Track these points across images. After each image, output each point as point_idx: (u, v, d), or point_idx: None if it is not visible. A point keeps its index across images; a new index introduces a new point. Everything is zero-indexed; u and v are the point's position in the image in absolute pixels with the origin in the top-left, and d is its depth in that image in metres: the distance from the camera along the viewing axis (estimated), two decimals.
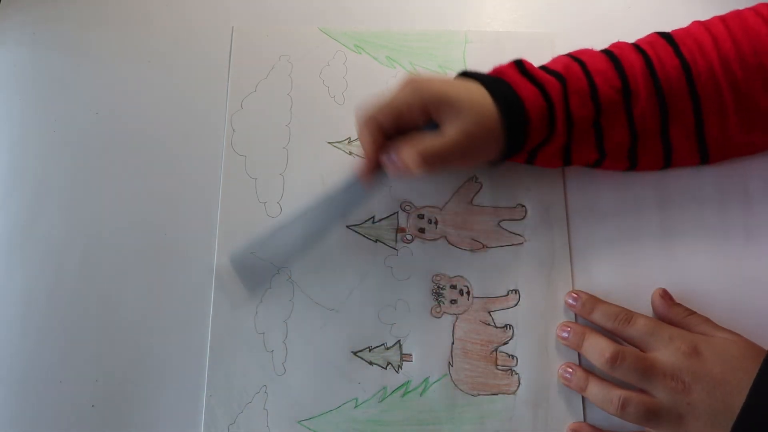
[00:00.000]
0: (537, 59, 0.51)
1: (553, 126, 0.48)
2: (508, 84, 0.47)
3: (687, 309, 0.49)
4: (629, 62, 0.48)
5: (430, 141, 0.46)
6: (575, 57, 0.50)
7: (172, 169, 0.53)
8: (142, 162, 0.53)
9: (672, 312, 0.49)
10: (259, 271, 0.50)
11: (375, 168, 0.48)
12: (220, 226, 0.51)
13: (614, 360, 0.45)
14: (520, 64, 0.49)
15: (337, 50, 0.57)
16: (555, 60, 0.50)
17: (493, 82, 0.48)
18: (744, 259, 0.51)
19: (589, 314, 0.49)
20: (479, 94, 0.47)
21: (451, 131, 0.46)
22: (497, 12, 0.59)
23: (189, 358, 0.48)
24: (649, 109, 0.48)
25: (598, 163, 0.51)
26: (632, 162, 0.51)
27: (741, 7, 0.49)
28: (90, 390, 0.48)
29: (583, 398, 0.48)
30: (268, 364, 0.48)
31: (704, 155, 0.51)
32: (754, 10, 0.49)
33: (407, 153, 0.46)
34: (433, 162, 0.46)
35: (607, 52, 0.50)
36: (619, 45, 0.50)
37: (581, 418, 0.48)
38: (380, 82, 0.56)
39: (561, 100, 0.47)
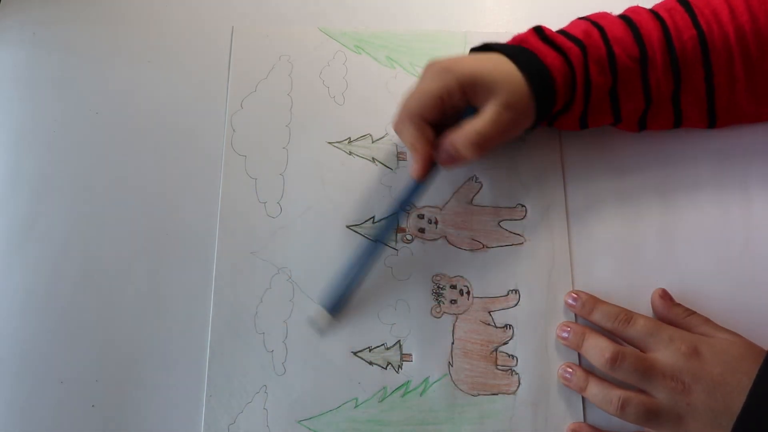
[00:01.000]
0: None
1: (573, 93, 0.49)
2: (533, 53, 0.48)
3: (687, 309, 0.49)
4: (647, 30, 0.49)
5: (477, 125, 0.46)
6: (594, 22, 0.50)
7: (172, 168, 0.53)
8: (142, 162, 0.53)
9: (672, 312, 0.49)
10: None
11: (430, 166, 0.48)
12: (220, 226, 0.51)
13: (614, 360, 0.46)
14: (540, 31, 0.50)
15: (337, 50, 0.57)
16: (574, 24, 0.51)
17: (518, 52, 0.48)
18: (744, 259, 0.51)
19: (589, 314, 0.49)
20: (508, 67, 0.47)
21: (491, 110, 0.46)
22: (497, 13, 0.59)
23: (189, 358, 0.48)
24: (664, 77, 0.49)
25: (612, 125, 0.53)
26: (642, 125, 0.52)
27: None
28: (90, 390, 0.48)
29: (583, 398, 0.48)
30: (268, 364, 0.48)
31: (712, 120, 0.52)
32: None
33: (461, 143, 0.46)
34: (485, 145, 0.46)
35: (625, 18, 0.50)
36: (636, 10, 0.51)
37: (581, 418, 0.48)
38: (380, 83, 0.56)
39: (581, 68, 0.48)
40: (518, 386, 0.49)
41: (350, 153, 0.54)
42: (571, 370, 0.48)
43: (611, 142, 0.54)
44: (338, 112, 0.55)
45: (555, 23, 0.51)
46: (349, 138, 0.54)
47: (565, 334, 0.49)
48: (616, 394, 0.45)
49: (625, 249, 0.52)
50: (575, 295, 0.50)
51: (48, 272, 0.50)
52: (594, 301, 0.49)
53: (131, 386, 0.48)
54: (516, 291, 0.51)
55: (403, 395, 0.48)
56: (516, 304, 0.51)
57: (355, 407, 0.48)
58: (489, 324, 0.50)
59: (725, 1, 0.49)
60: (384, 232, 0.51)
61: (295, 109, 0.55)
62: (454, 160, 0.47)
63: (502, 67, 0.47)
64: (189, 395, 0.48)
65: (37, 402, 0.47)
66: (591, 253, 0.52)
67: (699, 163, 0.54)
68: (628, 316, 0.48)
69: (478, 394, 0.49)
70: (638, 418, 0.45)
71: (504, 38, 0.51)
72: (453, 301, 0.51)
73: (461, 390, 0.49)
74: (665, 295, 0.50)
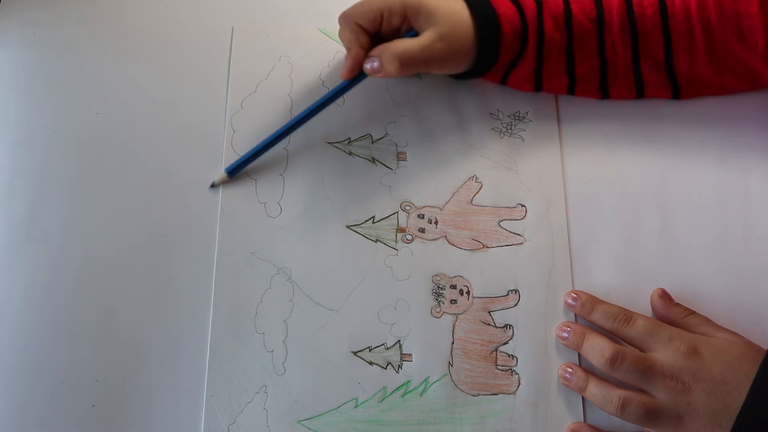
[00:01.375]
0: None
1: (525, 45, 0.51)
2: (488, 0, 0.51)
3: (687, 309, 0.49)
4: None
5: (407, 43, 0.49)
6: None
7: (173, 169, 0.53)
8: (142, 162, 0.53)
9: (672, 312, 0.49)
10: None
11: (357, 67, 0.51)
12: (220, 227, 0.51)
13: (614, 360, 0.46)
14: None
15: (337, 51, 0.57)
16: None
17: (477, 5, 0.51)
18: (744, 259, 0.52)
19: (589, 314, 0.49)
20: (457, 5, 0.51)
21: (426, 36, 0.49)
22: None
23: (189, 358, 0.49)
24: (621, 42, 0.51)
25: (570, 90, 0.54)
26: (604, 91, 0.54)
27: None
28: (90, 390, 0.48)
29: (583, 398, 0.48)
30: (268, 363, 0.49)
31: (675, 90, 0.54)
32: None
33: (386, 55, 0.49)
34: (409, 64, 0.49)
35: None
36: None
37: (581, 418, 0.48)
38: (380, 83, 0.56)
39: (534, 21, 0.50)
40: (518, 386, 0.49)
41: (350, 153, 0.54)
42: (571, 370, 0.48)
43: (612, 141, 0.55)
44: (338, 112, 0.55)
45: None
46: (349, 138, 0.55)
47: (565, 334, 0.49)
48: (616, 394, 0.45)
49: (625, 249, 0.52)
50: (575, 295, 0.50)
51: (47, 272, 0.50)
52: (594, 301, 0.50)
53: (131, 386, 0.48)
54: (516, 291, 0.51)
55: (403, 395, 0.49)
56: (516, 304, 0.51)
57: (355, 407, 0.48)
58: (489, 324, 0.50)
59: None
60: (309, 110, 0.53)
61: (295, 110, 0.55)
62: (377, 70, 0.50)
63: (452, 4, 0.50)
64: (189, 395, 0.48)
65: (37, 402, 0.47)
66: (591, 253, 0.52)
67: (699, 163, 0.54)
68: (628, 316, 0.48)
69: (478, 394, 0.49)
70: (638, 418, 0.45)
71: None
72: (453, 301, 0.51)
73: (461, 390, 0.49)
74: (665, 295, 0.50)
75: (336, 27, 0.52)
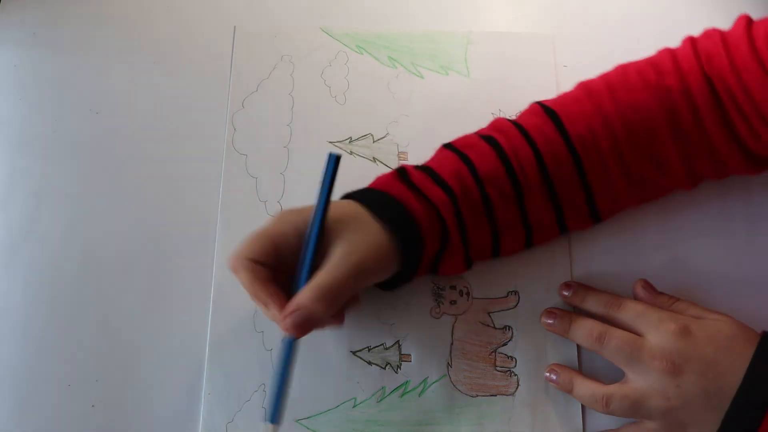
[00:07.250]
0: (537, 61, 0.54)
1: (446, 240, 0.48)
2: (400, 204, 0.46)
3: (672, 297, 0.50)
4: (518, 159, 0.48)
5: (319, 277, 0.43)
6: (463, 154, 0.48)
7: (173, 168, 0.55)
8: (143, 162, 0.55)
9: (657, 302, 0.50)
10: None
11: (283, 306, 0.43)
12: (220, 226, 0.53)
13: (601, 338, 0.47)
14: (404, 175, 0.48)
15: (339, 50, 0.59)
16: (441, 156, 0.49)
17: (381, 205, 0.46)
18: (745, 259, 0.53)
19: (582, 302, 0.51)
20: (361, 217, 0.45)
21: (335, 259, 0.43)
22: (499, 12, 0.61)
23: (188, 356, 0.50)
24: (542, 205, 0.49)
25: (495, 254, 0.51)
26: (529, 245, 0.52)
27: (741, 11, 0.50)
28: (90, 390, 0.49)
29: None
30: (267, 362, 0.50)
31: (596, 221, 0.52)
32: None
33: (302, 295, 0.42)
34: (332, 296, 0.43)
35: (494, 145, 0.49)
36: (504, 129, 0.50)
37: (579, 419, 0.50)
38: (382, 83, 0.58)
39: (453, 218, 0.47)
40: (517, 387, 0.51)
41: (351, 153, 0.56)
42: (556, 370, 0.50)
43: None
44: (339, 111, 0.57)
45: (554, 23, 0.53)
46: (350, 138, 0.56)
47: (550, 321, 0.51)
48: (600, 393, 0.47)
49: (625, 250, 0.53)
50: (568, 286, 0.52)
51: (47, 272, 0.52)
52: (585, 289, 0.51)
53: (131, 386, 0.49)
54: (515, 292, 0.53)
55: (401, 395, 0.50)
56: (515, 306, 0.52)
57: (353, 407, 0.50)
58: (488, 325, 0.52)
59: (598, 113, 0.49)
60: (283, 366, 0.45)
61: (296, 108, 0.57)
62: (301, 318, 0.42)
63: (356, 217, 0.45)
64: (188, 394, 0.49)
65: (37, 402, 0.49)
66: (591, 254, 0.53)
67: None
68: (618, 300, 0.49)
69: (477, 395, 0.50)
70: (625, 412, 0.46)
71: (506, 39, 0.53)
72: (452, 302, 0.52)
73: (460, 391, 0.50)
74: (647, 286, 0.51)
75: (338, 25, 0.53)
